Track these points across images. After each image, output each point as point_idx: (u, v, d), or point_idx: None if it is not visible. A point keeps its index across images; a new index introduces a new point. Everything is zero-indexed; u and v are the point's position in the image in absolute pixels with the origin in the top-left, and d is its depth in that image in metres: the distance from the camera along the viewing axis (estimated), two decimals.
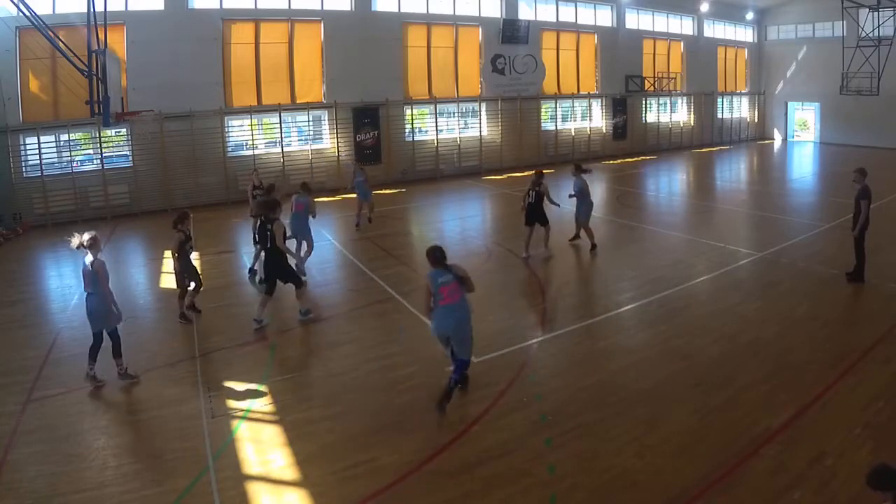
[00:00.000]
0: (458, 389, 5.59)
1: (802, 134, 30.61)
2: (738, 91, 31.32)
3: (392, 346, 7.06)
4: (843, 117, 27.39)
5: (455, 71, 21.68)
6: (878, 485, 2.90)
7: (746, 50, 31.32)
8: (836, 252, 9.89)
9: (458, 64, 21.67)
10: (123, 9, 15.57)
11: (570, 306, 8.33)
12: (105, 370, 6.26)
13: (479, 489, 4.45)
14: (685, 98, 28.90)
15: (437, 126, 21.13)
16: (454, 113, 22.18)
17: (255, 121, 18.13)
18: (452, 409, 5.51)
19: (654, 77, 26.93)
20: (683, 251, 10.93)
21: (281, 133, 18.38)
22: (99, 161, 15.86)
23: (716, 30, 29.77)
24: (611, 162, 24.25)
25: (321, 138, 19.50)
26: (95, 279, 6.02)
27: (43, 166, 15.12)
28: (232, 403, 5.86)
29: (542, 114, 23.98)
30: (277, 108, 18.14)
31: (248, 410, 5.71)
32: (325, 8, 18.83)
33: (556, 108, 24.35)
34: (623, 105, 26.02)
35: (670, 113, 28.49)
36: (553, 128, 24.24)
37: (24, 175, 15.11)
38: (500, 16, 22.12)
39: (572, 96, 24.97)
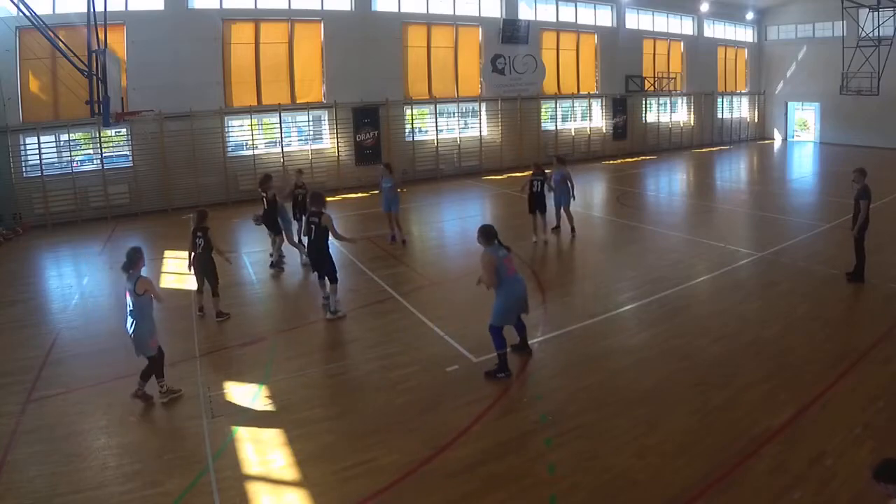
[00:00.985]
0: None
1: (802, 134, 30.60)
2: (738, 91, 31.31)
3: (392, 346, 7.06)
4: (843, 117, 27.39)
5: (455, 71, 21.68)
6: (884, 477, 2.94)
7: (746, 50, 31.32)
8: (836, 252, 9.89)
9: (458, 64, 21.67)
10: (123, 9, 15.58)
11: (570, 306, 8.33)
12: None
13: (479, 489, 4.45)
14: (685, 98, 28.90)
15: (437, 126, 21.13)
16: (454, 113, 22.18)
17: (255, 121, 18.13)
18: (452, 409, 5.53)
19: (654, 77, 26.93)
20: (683, 251, 10.92)
21: (281, 133, 18.38)
22: (99, 161, 15.86)
23: (716, 30, 29.77)
24: (611, 162, 24.25)
25: (321, 138, 19.50)
26: (142, 305, 5.67)
27: (43, 166, 15.12)
28: (232, 403, 5.86)
29: (542, 114, 23.98)
30: (277, 108, 18.14)
31: (248, 410, 5.71)
32: (325, 8, 18.84)
33: (556, 108, 24.35)
34: (623, 105, 26.02)
35: (670, 113, 28.49)
36: (553, 128, 24.24)
37: (24, 175, 15.11)
38: (500, 16, 22.12)
39: (572, 96, 24.97)
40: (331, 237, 7.84)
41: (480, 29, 21.84)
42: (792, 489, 4.26)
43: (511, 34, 22.05)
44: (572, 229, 11.91)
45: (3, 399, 6.03)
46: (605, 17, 25.53)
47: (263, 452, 5.02)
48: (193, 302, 8.38)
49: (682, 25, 28.37)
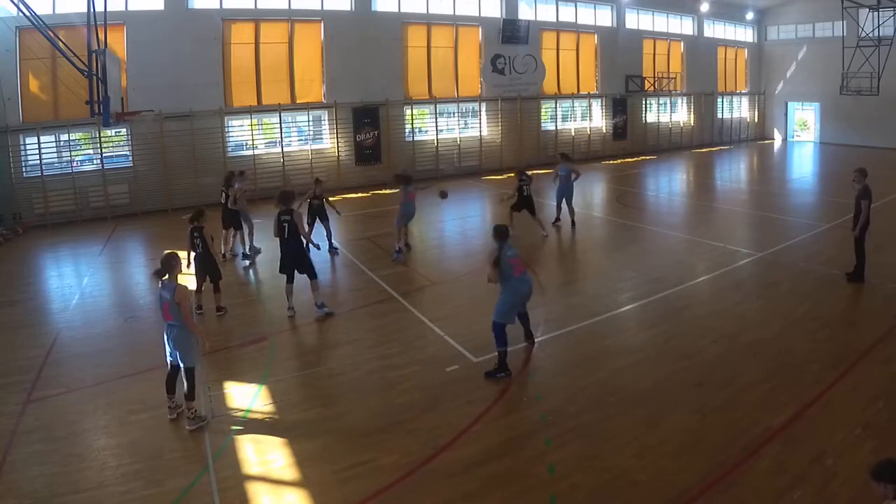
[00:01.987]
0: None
1: (802, 134, 30.58)
2: (738, 91, 31.29)
3: (392, 346, 7.05)
4: (842, 117, 27.38)
5: (455, 71, 21.67)
6: (880, 476, 2.95)
7: (746, 50, 31.30)
8: (836, 252, 9.89)
9: (458, 64, 21.66)
10: (123, 9, 15.55)
11: (570, 306, 8.32)
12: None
13: (479, 489, 4.45)
14: (685, 98, 28.89)
15: (437, 126, 21.12)
16: (454, 113, 22.16)
17: (255, 121, 18.13)
18: (452, 409, 5.53)
19: (654, 77, 26.91)
20: (684, 251, 10.93)
21: (281, 133, 18.37)
22: (99, 161, 15.85)
23: (716, 30, 29.75)
24: (611, 162, 24.24)
25: (321, 138, 19.49)
26: (178, 310, 5.37)
27: (43, 166, 15.10)
28: (232, 403, 5.86)
29: (542, 114, 23.96)
30: (277, 108, 18.14)
31: (248, 410, 5.71)
32: (325, 8, 18.82)
33: (556, 108, 24.34)
34: (623, 105, 26.01)
35: (670, 113, 28.47)
36: (553, 128, 24.23)
37: (24, 175, 15.10)
38: (500, 16, 22.10)
39: (572, 96, 24.95)
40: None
41: (480, 29, 21.82)
42: (792, 489, 4.26)
43: (511, 34, 22.04)
44: (573, 223, 12.44)
45: (3, 399, 6.02)
46: (605, 17, 25.51)
47: (263, 452, 5.02)
48: (192, 301, 8.37)
49: (682, 25, 28.36)
